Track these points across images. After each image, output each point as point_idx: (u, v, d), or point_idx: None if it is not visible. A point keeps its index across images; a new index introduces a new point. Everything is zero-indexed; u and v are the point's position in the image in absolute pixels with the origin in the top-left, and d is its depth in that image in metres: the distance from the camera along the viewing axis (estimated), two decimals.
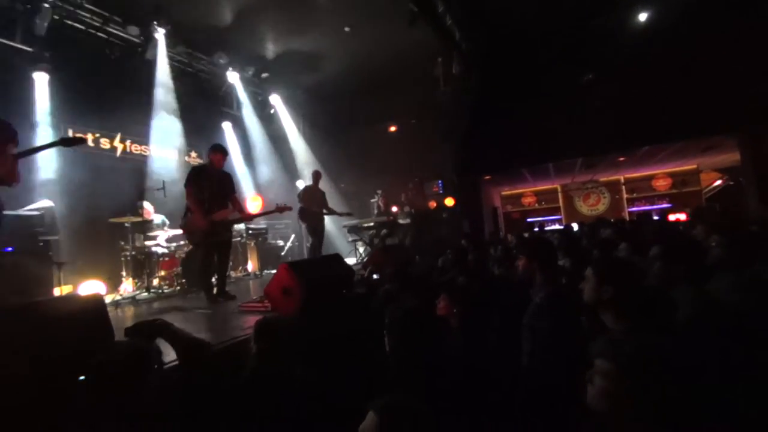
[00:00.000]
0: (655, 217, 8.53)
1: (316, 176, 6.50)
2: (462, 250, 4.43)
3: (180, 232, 5.98)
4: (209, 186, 3.99)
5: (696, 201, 12.35)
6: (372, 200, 8.86)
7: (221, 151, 4.18)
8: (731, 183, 12.00)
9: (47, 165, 5.10)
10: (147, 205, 5.69)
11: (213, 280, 4.22)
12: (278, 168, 9.04)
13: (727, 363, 1.40)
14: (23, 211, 4.44)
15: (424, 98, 8.94)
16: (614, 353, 1.01)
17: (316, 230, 6.32)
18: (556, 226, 13.07)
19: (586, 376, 1.07)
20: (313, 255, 6.37)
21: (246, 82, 8.52)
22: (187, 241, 4.61)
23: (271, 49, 8.09)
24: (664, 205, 12.96)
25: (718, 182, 12.64)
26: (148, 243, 5.46)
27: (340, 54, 8.08)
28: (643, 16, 7.34)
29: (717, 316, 1.67)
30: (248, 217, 4.67)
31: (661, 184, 13.25)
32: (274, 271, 4.03)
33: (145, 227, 5.47)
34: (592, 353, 1.06)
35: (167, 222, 5.96)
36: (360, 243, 8.00)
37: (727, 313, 1.73)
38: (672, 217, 10.02)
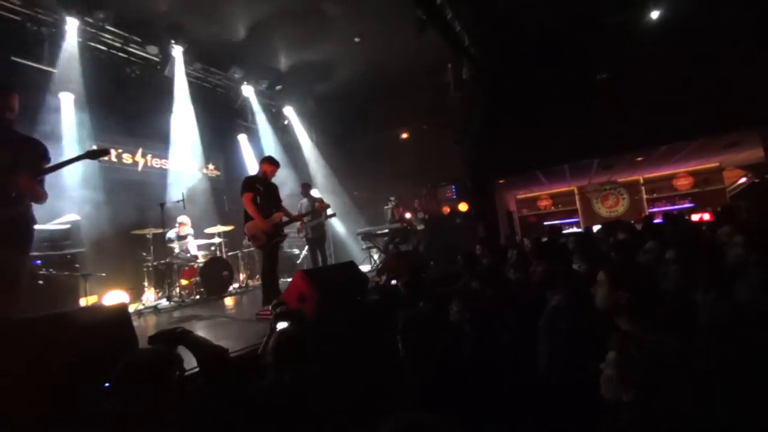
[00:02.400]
0: (658, 221, 8.21)
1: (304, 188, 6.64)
2: (472, 255, 4.41)
3: (201, 241, 6.30)
4: (262, 193, 4.18)
5: (720, 200, 11.94)
6: (385, 207, 8.88)
7: (272, 163, 4.40)
8: (756, 180, 11.58)
9: (73, 181, 5.32)
10: (185, 219, 5.96)
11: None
12: (292, 178, 9.18)
13: (749, 363, 1.37)
14: (51, 225, 4.63)
15: (436, 104, 8.97)
16: (618, 343, 1.10)
17: (311, 245, 6.42)
18: (574, 229, 12.84)
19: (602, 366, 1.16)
20: (314, 264, 6.45)
21: (260, 94, 8.73)
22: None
23: (283, 62, 8.28)
24: (687, 205, 12.57)
25: (743, 180, 12.21)
26: (180, 253, 5.88)
27: (350, 63, 8.20)
28: (655, 13, 7.21)
29: (740, 319, 1.63)
30: (297, 219, 4.97)
31: (683, 184, 12.86)
32: (289, 279, 4.10)
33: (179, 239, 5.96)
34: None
35: (192, 231, 6.26)
36: (374, 250, 8.02)
37: (750, 315, 1.69)
38: (695, 217, 9.74)
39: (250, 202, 4.05)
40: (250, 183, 4.19)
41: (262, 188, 4.20)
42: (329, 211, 6.13)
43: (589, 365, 1.85)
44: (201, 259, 6.01)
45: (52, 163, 2.62)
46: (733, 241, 2.14)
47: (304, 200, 6.38)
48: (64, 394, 1.59)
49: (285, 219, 4.43)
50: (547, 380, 2.14)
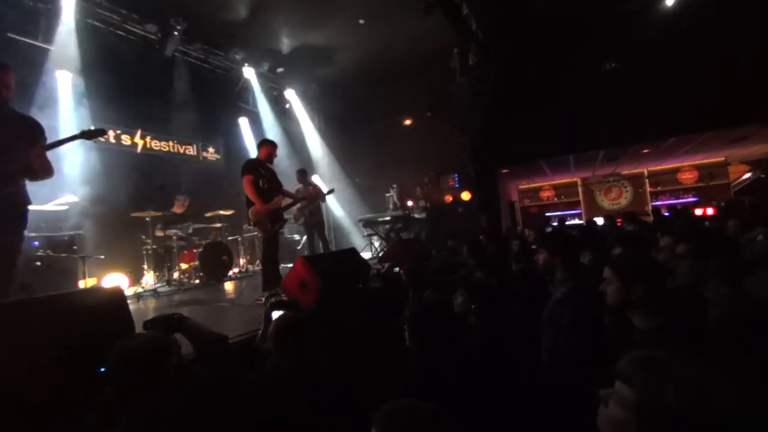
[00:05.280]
0: (665, 213, 8.14)
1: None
2: (477, 244, 4.35)
3: (201, 225, 6.23)
4: (264, 176, 4.06)
5: (724, 194, 11.86)
6: (387, 194, 8.81)
7: (272, 144, 4.29)
8: (762, 175, 11.48)
9: (71, 162, 5.23)
10: (183, 198, 5.89)
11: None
12: (294, 163, 9.09)
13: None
14: (49, 206, 4.58)
15: (440, 90, 8.79)
16: (644, 382, 0.81)
17: (309, 230, 6.35)
18: (576, 221, 12.79)
19: (600, 393, 0.91)
20: (311, 251, 6.36)
21: (261, 77, 8.56)
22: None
23: (286, 44, 8.09)
24: (690, 199, 12.50)
25: (748, 175, 12.11)
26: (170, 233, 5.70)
27: (354, 47, 8.01)
28: (670, 1, 7.00)
29: (756, 313, 1.58)
30: (299, 200, 4.89)
31: (687, 177, 12.77)
32: (290, 265, 4.05)
33: (175, 218, 5.80)
34: (618, 369, 0.89)
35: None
36: (375, 237, 7.98)
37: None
38: (698, 212, 9.67)
39: (250, 185, 3.88)
40: (252, 165, 4.04)
41: (264, 171, 4.07)
42: (325, 189, 6.02)
43: (591, 360, 1.82)
44: (198, 237, 5.96)
45: (47, 142, 2.56)
46: (757, 232, 2.08)
47: (300, 186, 6.28)
48: (59, 377, 1.56)
49: (286, 202, 4.33)
50: (548, 374, 2.12)
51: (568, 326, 2.09)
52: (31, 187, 2.53)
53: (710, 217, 8.51)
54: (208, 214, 6.40)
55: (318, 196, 5.79)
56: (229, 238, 6.64)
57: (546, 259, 2.50)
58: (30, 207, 2.50)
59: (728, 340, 1.55)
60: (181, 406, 1.42)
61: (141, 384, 1.36)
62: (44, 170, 2.45)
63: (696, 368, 0.80)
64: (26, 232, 2.55)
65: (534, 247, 3.85)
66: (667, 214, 7.56)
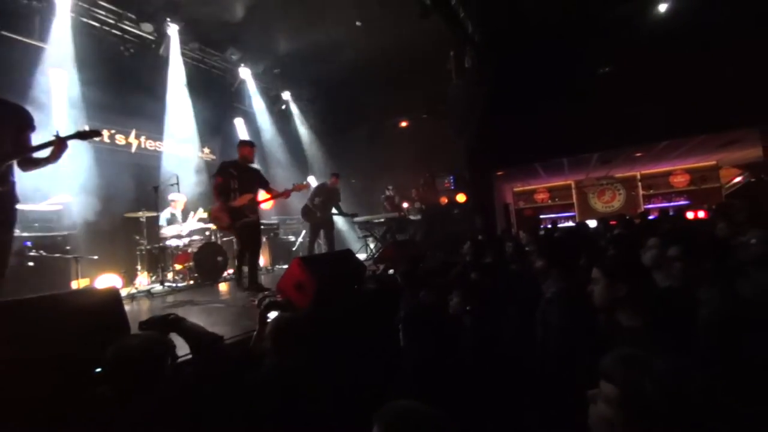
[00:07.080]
0: (652, 216, 8.25)
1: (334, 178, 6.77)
2: (480, 243, 4.39)
3: (196, 226, 6.20)
4: (237, 177, 4.23)
5: (716, 198, 12.02)
6: (382, 196, 8.82)
7: (249, 144, 4.51)
8: (752, 180, 11.64)
9: (65, 160, 5.12)
10: (178, 197, 5.83)
11: (245, 269, 4.39)
12: (289, 163, 9.09)
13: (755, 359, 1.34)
14: (41, 206, 4.54)
15: (436, 92, 8.84)
16: (623, 377, 0.86)
17: (316, 228, 6.43)
18: (570, 223, 12.89)
19: (589, 394, 0.95)
20: (310, 251, 6.49)
21: (258, 78, 8.55)
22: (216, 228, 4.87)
23: (282, 45, 8.08)
24: (682, 202, 12.65)
25: (739, 179, 12.28)
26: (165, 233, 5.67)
27: (351, 49, 8.02)
28: (663, 6, 7.11)
29: (747, 315, 1.60)
30: (276, 196, 4.68)
31: (679, 181, 12.93)
32: (285, 266, 4.06)
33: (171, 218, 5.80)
34: (601, 368, 0.93)
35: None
36: (371, 239, 7.99)
37: (759, 311, 1.66)
38: (690, 215, 9.79)
39: (215, 186, 4.20)
40: (224, 167, 4.28)
41: (236, 173, 4.23)
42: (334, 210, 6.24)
43: (579, 359, 1.84)
44: (193, 239, 5.92)
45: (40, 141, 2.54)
46: (751, 235, 2.12)
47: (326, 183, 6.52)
48: (55, 378, 1.55)
49: (264, 198, 4.46)
50: (540, 373, 2.13)
51: (555, 326, 2.12)
52: (25, 187, 2.51)
53: (701, 220, 8.62)
54: (204, 215, 6.37)
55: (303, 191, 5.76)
56: (224, 239, 6.60)
57: (544, 265, 2.52)
58: (23, 207, 2.49)
59: (717, 338, 1.58)
60: (177, 407, 1.42)
61: (137, 384, 1.36)
62: (30, 162, 2.43)
63: (672, 363, 0.84)
64: (19, 232, 2.54)
65: (528, 248, 3.88)
66: (652, 217, 7.65)
